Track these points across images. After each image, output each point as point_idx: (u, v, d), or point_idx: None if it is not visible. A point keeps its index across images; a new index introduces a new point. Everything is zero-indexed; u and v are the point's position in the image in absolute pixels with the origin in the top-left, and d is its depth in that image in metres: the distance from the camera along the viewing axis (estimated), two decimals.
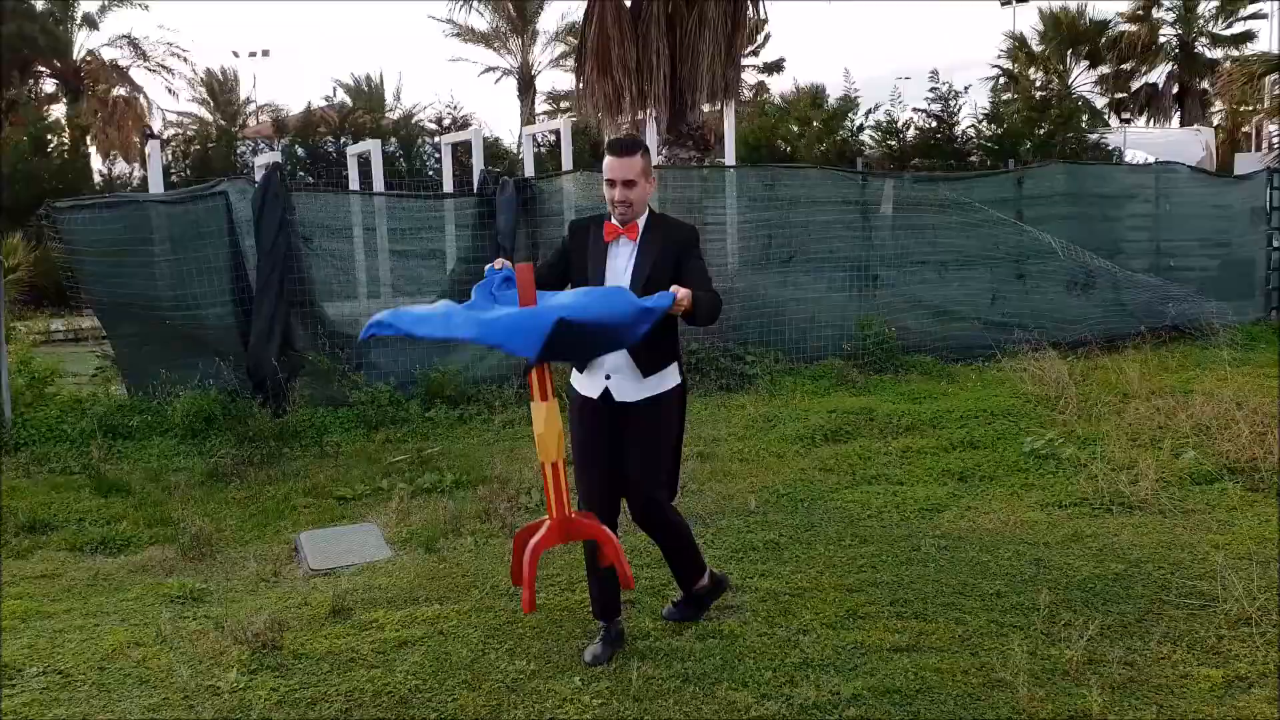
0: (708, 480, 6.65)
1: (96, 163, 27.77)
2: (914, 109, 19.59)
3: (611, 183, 3.91)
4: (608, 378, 3.98)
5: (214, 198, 8.44)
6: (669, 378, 4.04)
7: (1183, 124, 24.54)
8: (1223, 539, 5.14)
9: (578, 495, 4.09)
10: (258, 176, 10.04)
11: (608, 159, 3.93)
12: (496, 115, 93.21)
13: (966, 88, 42.99)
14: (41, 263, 16.56)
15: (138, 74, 34.15)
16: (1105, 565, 4.86)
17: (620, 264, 3.97)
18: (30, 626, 4.62)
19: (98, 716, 3.75)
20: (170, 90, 63.39)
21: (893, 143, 19.61)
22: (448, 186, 14.24)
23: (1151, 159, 13.11)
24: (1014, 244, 11.12)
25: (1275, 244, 12.67)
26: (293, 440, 7.81)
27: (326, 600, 4.74)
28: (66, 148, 21.56)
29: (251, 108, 30.91)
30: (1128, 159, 18.26)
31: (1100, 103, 29.17)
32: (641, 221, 3.99)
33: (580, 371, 4.07)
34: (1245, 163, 17.02)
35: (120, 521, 6.21)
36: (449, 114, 23.32)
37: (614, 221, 3.98)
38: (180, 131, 25.31)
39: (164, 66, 29.21)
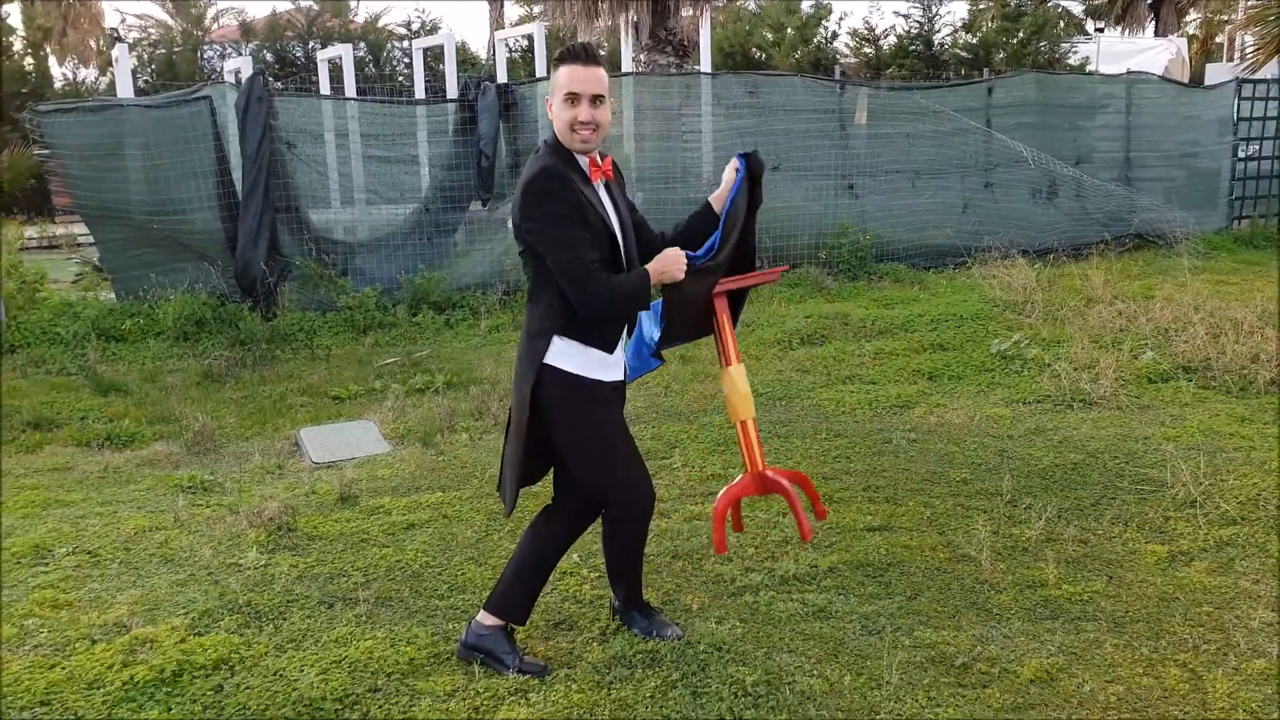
0: (690, 381, 6.93)
1: (53, 67, 27.12)
2: (895, 11, 19.48)
3: (574, 98, 3.13)
4: (621, 351, 3.39)
5: (198, 102, 8.46)
6: None
7: (1157, 34, 24.54)
8: (1174, 432, 5.51)
9: (633, 484, 3.37)
10: (227, 80, 10.02)
11: (567, 70, 3.14)
12: (459, 19, 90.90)
13: None
14: (9, 169, 16.38)
15: None
16: (1064, 455, 5.22)
17: (609, 206, 3.28)
18: (51, 513, 4.86)
19: (129, 591, 4.02)
20: None
21: (869, 50, 19.59)
22: (419, 92, 14.15)
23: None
24: (982, 153, 11.33)
25: (1240, 154, 12.94)
26: (283, 343, 8.01)
27: (333, 489, 5.01)
28: (28, 50, 21.07)
29: (213, 10, 30.10)
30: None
31: (1077, 10, 29.08)
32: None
33: (607, 352, 3.29)
34: (1217, 73, 17.17)
35: (122, 419, 6.41)
36: (417, 18, 22.99)
37: (569, 148, 3.21)
38: (145, 35, 24.67)
39: None
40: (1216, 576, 3.89)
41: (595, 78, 3.14)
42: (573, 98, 3.12)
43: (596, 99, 3.14)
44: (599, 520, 3.52)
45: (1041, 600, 3.75)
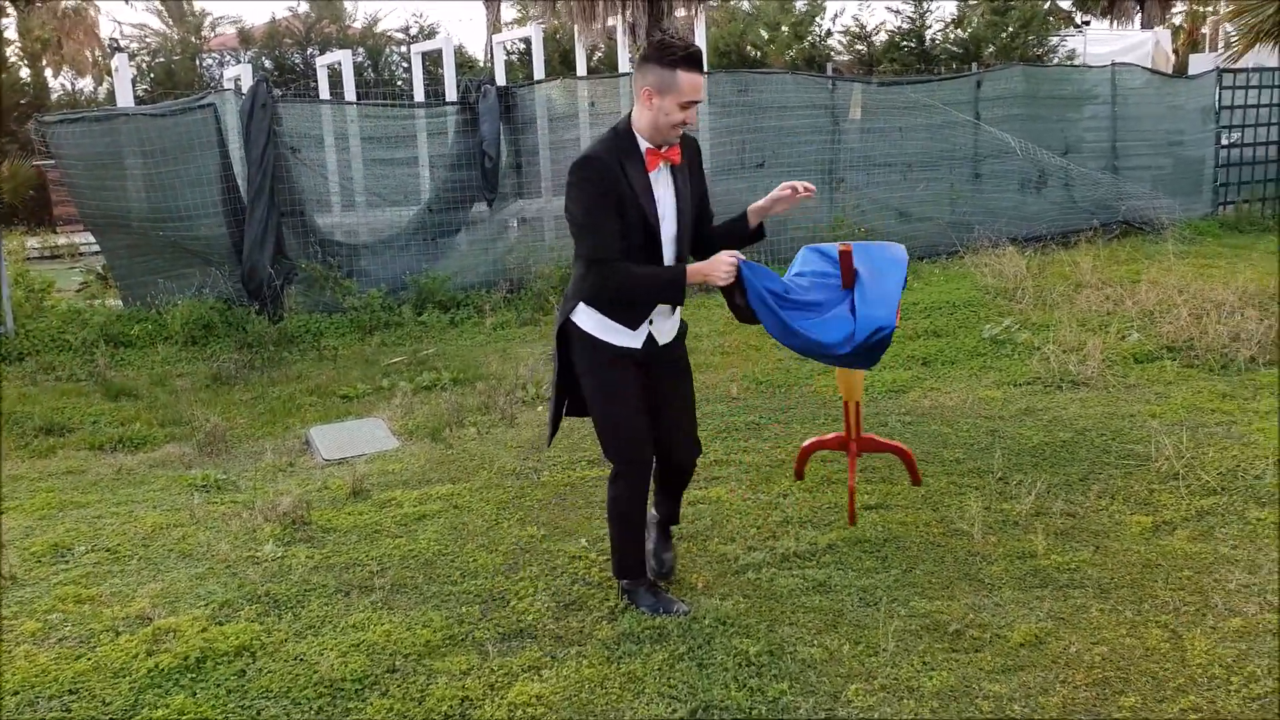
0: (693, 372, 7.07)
1: (49, 78, 27.22)
2: (887, 7, 19.53)
3: (690, 104, 3.33)
4: (650, 323, 3.54)
5: (203, 110, 8.61)
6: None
7: (1144, 26, 24.70)
8: (1159, 409, 5.68)
9: (623, 444, 3.60)
10: (227, 88, 10.18)
11: (690, 76, 3.30)
12: (456, 23, 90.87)
13: None
14: (9, 180, 16.49)
15: None
16: (1053, 434, 5.38)
17: (662, 194, 3.46)
18: (68, 514, 4.98)
19: (150, 585, 4.16)
20: (127, 1, 61.56)
21: (861, 48, 19.72)
22: (419, 96, 14.30)
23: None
24: (971, 145, 11.51)
25: (1223, 142, 13.12)
26: (291, 345, 8.16)
27: (345, 484, 5.15)
28: (25, 61, 21.20)
29: (210, 19, 30.23)
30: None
31: (1065, 3, 29.17)
32: None
33: (629, 328, 3.52)
34: (1200, 63, 17.34)
35: (134, 422, 6.54)
36: (415, 23, 23.16)
37: (651, 145, 3.41)
38: (144, 45, 24.81)
39: None
40: (1197, 543, 4.04)
41: (703, 84, 3.40)
42: (689, 105, 3.33)
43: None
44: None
45: (1031, 570, 3.90)
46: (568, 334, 3.58)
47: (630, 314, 3.51)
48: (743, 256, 3.48)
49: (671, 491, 3.98)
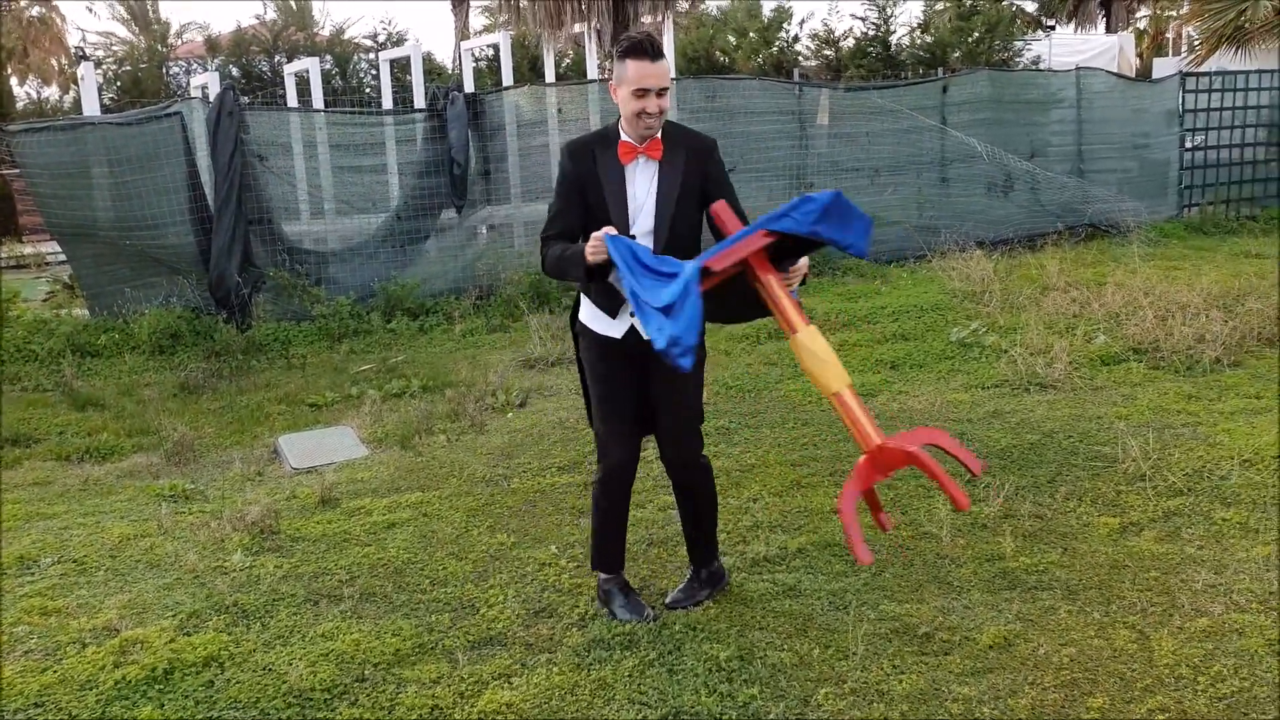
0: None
1: (14, 87, 26.91)
2: (852, 14, 19.74)
3: (643, 92, 3.31)
4: (632, 314, 3.44)
5: (169, 118, 8.54)
6: None
7: (1109, 31, 25.03)
8: (1125, 410, 5.74)
9: (597, 432, 3.71)
10: (195, 96, 10.12)
11: (637, 64, 3.29)
12: (425, 29, 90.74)
13: None
14: None
15: None
16: (1021, 436, 5.42)
17: (640, 188, 3.44)
18: (34, 526, 4.93)
19: (117, 596, 4.11)
20: (90, 9, 61.14)
21: (829, 53, 19.84)
22: (387, 104, 14.25)
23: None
24: (938, 149, 11.61)
25: (1187, 145, 13.30)
26: (259, 354, 8.09)
27: (314, 493, 5.12)
28: None
29: (175, 26, 29.99)
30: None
31: (1031, 7, 29.52)
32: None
33: (609, 315, 3.54)
34: (1163, 67, 17.59)
35: (101, 433, 6.47)
36: (384, 30, 23.06)
37: (630, 139, 3.43)
38: (111, 54, 24.58)
39: None
40: (1164, 544, 4.09)
41: (661, 72, 3.34)
42: (642, 93, 3.33)
43: (662, 92, 3.36)
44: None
45: (1000, 572, 3.93)
46: (576, 325, 3.75)
47: (606, 301, 3.54)
48: (614, 231, 3.23)
49: (683, 506, 3.85)
